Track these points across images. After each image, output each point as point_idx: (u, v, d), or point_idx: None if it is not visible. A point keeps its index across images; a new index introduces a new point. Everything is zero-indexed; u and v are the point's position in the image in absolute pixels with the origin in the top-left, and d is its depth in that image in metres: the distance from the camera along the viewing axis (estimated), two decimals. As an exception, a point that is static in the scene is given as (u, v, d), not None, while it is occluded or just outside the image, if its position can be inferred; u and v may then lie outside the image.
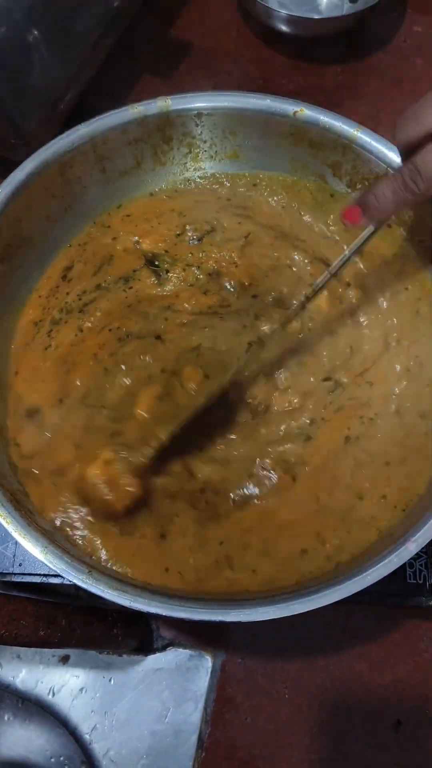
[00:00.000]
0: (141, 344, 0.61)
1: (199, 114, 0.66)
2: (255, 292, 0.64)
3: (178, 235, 0.67)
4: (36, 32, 0.84)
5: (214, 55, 0.97)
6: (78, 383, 0.60)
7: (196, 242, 0.67)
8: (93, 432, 0.58)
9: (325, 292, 0.63)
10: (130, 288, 0.65)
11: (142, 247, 0.67)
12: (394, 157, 0.62)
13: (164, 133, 0.67)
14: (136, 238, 0.68)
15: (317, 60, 0.96)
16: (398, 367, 0.62)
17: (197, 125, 0.67)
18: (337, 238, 0.67)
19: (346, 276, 0.65)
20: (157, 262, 0.66)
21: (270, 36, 0.97)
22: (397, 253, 0.66)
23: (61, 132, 0.63)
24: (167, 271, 0.65)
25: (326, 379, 0.61)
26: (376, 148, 0.63)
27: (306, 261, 0.65)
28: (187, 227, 0.68)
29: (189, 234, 0.67)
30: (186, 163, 0.70)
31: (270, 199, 0.69)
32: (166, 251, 0.67)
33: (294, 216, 0.69)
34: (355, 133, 0.63)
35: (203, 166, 0.71)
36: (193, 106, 0.65)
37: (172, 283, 0.65)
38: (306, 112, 0.63)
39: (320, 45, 0.96)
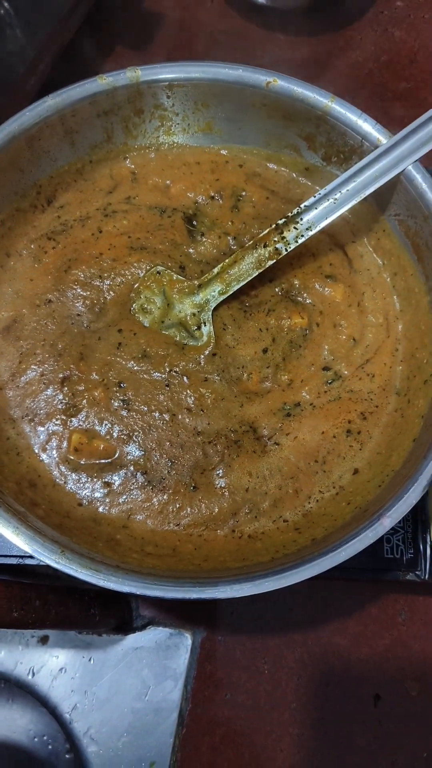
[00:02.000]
0: (149, 258, 0.63)
1: (170, 85, 0.64)
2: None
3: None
4: (6, 4, 0.82)
5: (188, 27, 0.94)
6: (80, 275, 0.62)
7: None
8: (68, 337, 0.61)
9: (341, 285, 0.64)
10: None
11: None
12: (369, 129, 0.61)
13: (135, 105, 0.65)
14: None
15: (293, 32, 0.94)
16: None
17: (168, 97, 0.65)
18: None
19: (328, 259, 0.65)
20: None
21: (245, 7, 0.94)
22: (372, 228, 0.65)
23: (29, 105, 0.61)
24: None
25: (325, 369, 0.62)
26: (350, 120, 0.61)
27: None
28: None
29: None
30: (158, 136, 0.69)
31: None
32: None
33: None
34: (329, 104, 0.61)
35: (176, 139, 0.69)
36: (163, 76, 0.63)
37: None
38: (279, 83, 0.62)
39: (297, 17, 0.94)
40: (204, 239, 0.65)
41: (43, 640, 0.71)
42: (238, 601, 0.49)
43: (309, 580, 0.47)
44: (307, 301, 0.64)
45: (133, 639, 0.71)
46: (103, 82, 0.62)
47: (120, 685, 0.69)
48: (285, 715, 0.67)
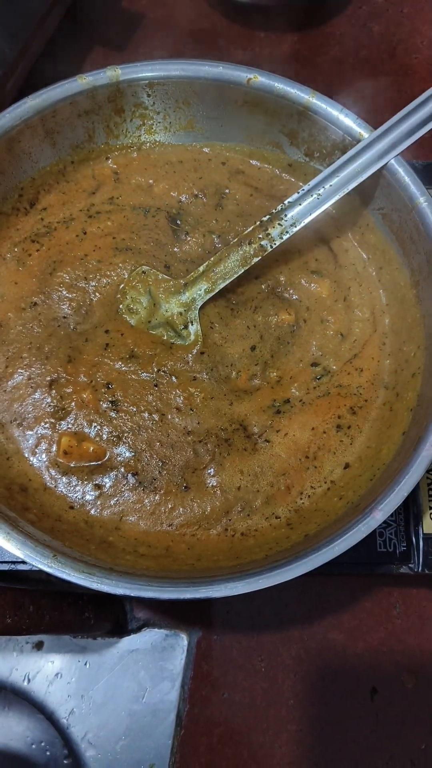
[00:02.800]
0: (134, 259, 0.63)
1: (151, 83, 0.64)
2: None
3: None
4: (-18, 5, 0.81)
5: (168, 25, 0.94)
6: (65, 277, 0.62)
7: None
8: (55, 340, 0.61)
9: (327, 281, 0.64)
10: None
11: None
12: (351, 124, 0.61)
13: (115, 104, 0.65)
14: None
15: (274, 29, 0.94)
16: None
17: (149, 95, 0.65)
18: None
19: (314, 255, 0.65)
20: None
21: (226, 5, 0.94)
22: (357, 223, 0.66)
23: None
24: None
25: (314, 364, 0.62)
26: (331, 115, 0.61)
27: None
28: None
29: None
30: (140, 135, 0.68)
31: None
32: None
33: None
34: (310, 99, 0.61)
35: (158, 138, 0.69)
36: (143, 75, 0.63)
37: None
38: (260, 79, 0.62)
39: (277, 14, 0.94)
40: (188, 238, 0.65)
41: (38, 646, 0.71)
42: (233, 599, 0.49)
43: (303, 576, 0.47)
44: (294, 298, 0.64)
45: (128, 641, 0.70)
46: (83, 81, 0.62)
47: (116, 688, 0.69)
48: (282, 712, 0.68)
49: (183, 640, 0.70)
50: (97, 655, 0.70)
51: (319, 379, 0.61)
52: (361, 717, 0.67)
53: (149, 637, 0.70)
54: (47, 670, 0.70)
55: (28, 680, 0.70)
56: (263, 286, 0.63)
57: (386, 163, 0.58)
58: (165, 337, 0.61)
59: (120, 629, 0.70)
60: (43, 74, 0.83)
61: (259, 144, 0.68)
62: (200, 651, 0.69)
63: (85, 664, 0.70)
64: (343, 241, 0.66)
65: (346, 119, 0.61)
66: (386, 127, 0.59)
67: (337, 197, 0.59)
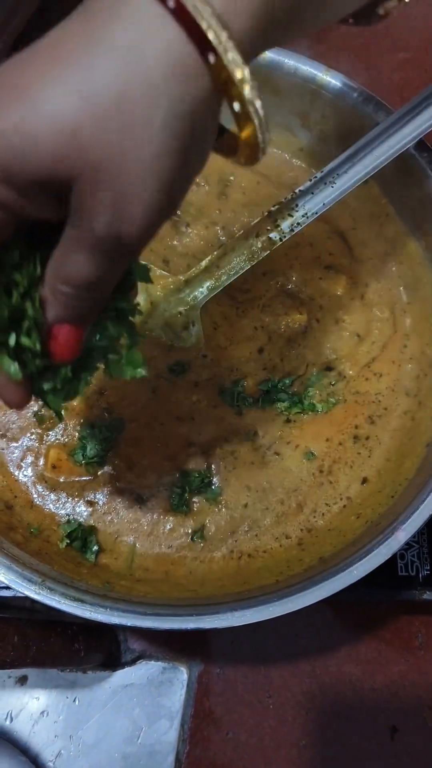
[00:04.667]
0: None
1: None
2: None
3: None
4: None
5: None
6: None
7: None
8: None
9: (342, 277, 0.64)
10: None
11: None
12: (368, 104, 0.61)
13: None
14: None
15: (280, 0, 0.95)
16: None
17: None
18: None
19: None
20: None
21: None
22: (375, 213, 0.66)
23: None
24: None
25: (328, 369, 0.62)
26: (347, 95, 0.62)
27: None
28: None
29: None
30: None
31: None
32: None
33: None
34: (324, 77, 0.61)
35: (155, 120, 0.69)
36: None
37: None
38: (268, 54, 0.62)
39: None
40: (189, 230, 0.65)
41: (22, 681, 0.70)
42: (237, 629, 0.48)
43: (315, 603, 0.47)
44: (306, 295, 0.64)
45: (122, 675, 0.70)
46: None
47: (109, 727, 0.69)
48: (293, 753, 0.67)
49: (182, 674, 0.70)
50: (87, 690, 0.70)
51: (334, 384, 0.61)
52: (381, 758, 0.67)
53: (145, 670, 0.70)
54: (32, 708, 0.69)
55: (11, 719, 0.69)
56: (272, 283, 0.64)
57: (408, 148, 0.59)
58: (163, 339, 0.61)
59: (113, 662, 0.70)
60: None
61: (266, 126, 0.68)
62: (201, 686, 0.69)
63: (74, 700, 0.70)
64: (359, 233, 0.67)
65: (363, 100, 0.61)
66: (407, 109, 0.59)
67: (353, 185, 0.59)
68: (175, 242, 0.65)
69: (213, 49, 0.27)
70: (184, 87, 0.28)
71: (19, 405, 0.39)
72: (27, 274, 0.34)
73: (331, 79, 0.62)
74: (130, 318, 0.40)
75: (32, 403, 0.58)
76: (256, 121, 0.29)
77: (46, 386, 0.38)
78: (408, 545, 0.62)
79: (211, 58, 0.27)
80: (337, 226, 0.67)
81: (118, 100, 0.27)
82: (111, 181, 0.28)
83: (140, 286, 0.46)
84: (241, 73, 0.28)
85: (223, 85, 0.28)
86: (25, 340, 0.35)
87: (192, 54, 0.27)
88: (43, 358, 0.36)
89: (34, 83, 0.27)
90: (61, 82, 0.27)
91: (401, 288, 0.65)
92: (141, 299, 0.62)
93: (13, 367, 0.35)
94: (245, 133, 0.31)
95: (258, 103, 0.29)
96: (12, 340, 0.34)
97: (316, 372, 0.62)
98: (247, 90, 0.28)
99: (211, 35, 0.27)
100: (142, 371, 0.40)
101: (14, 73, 0.28)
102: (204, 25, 0.27)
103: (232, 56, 0.27)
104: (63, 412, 0.57)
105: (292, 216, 0.60)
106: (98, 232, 0.30)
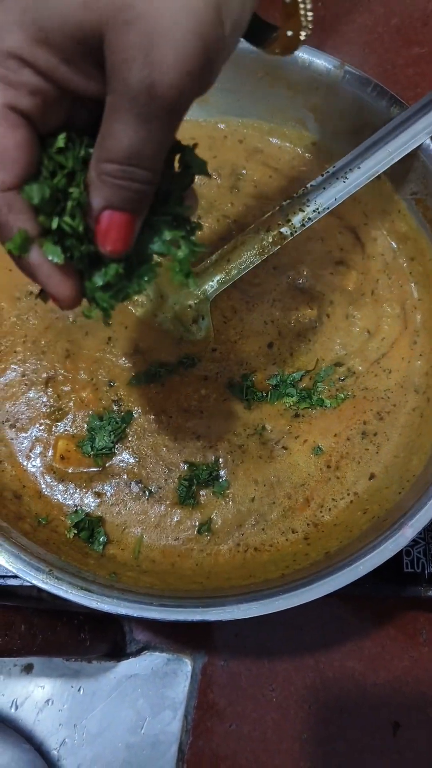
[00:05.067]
0: None
1: (162, 52, 0.64)
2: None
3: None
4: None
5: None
6: None
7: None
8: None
9: (353, 272, 0.64)
10: None
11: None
12: (382, 99, 0.61)
13: (123, 74, 0.65)
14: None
15: (295, -7, 0.94)
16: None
17: (160, 65, 0.65)
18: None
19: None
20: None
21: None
22: (386, 209, 0.66)
23: None
24: None
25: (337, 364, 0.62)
26: (361, 89, 0.61)
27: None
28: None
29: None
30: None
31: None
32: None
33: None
34: (338, 72, 0.61)
35: (168, 112, 0.69)
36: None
37: None
38: (282, 48, 0.62)
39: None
40: (201, 223, 0.65)
41: (27, 669, 0.71)
42: (242, 622, 0.49)
43: (320, 598, 0.47)
44: (316, 290, 0.64)
45: (126, 666, 0.70)
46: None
47: (113, 717, 0.69)
48: (295, 747, 0.68)
49: (187, 666, 0.70)
50: (92, 680, 0.70)
51: (343, 380, 0.61)
52: (383, 754, 0.67)
53: (150, 661, 0.70)
54: (37, 696, 0.70)
55: (16, 707, 0.70)
56: (282, 277, 0.64)
57: (421, 144, 0.58)
58: (173, 332, 0.61)
59: (118, 652, 0.70)
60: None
61: (279, 120, 0.68)
62: (205, 678, 0.70)
63: (79, 689, 0.70)
64: (371, 228, 0.66)
65: (376, 94, 0.61)
66: (421, 104, 0.59)
67: (365, 181, 0.59)
68: None
69: None
70: None
71: (68, 300, 0.37)
72: (73, 156, 0.33)
73: (345, 73, 0.61)
74: (188, 227, 0.39)
75: (42, 394, 0.59)
76: (302, 9, 0.29)
77: (97, 282, 0.36)
78: (414, 542, 0.63)
79: None
80: (349, 222, 0.67)
81: None
82: (139, 18, 0.27)
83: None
84: None
85: None
86: (67, 221, 0.34)
87: None
88: (90, 245, 0.35)
89: None
90: None
91: (412, 284, 0.65)
92: (151, 292, 0.62)
93: (56, 251, 0.34)
94: (291, 24, 0.29)
95: None
96: (55, 223, 0.34)
97: (325, 367, 0.62)
98: None
99: None
100: (191, 282, 0.39)
101: None
102: None
103: None
104: (72, 403, 0.58)
105: (303, 211, 0.60)
106: (131, 85, 0.28)
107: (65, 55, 0.29)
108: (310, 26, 0.30)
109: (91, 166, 0.32)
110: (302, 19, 0.29)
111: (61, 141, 0.33)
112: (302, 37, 0.31)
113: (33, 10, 0.28)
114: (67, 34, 0.28)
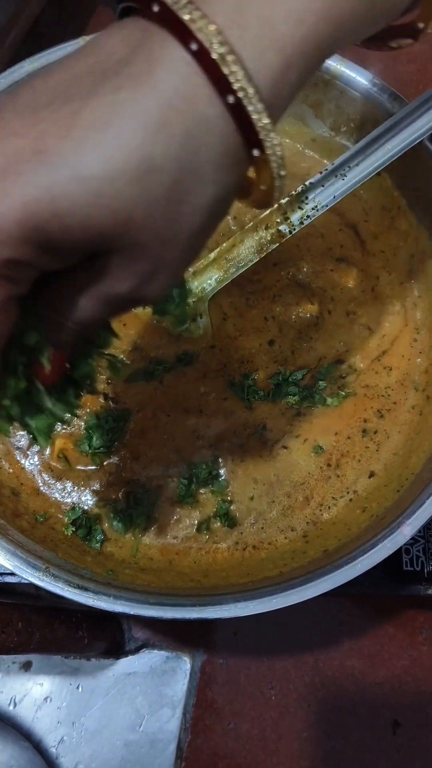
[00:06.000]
0: None
1: (161, 48, 0.64)
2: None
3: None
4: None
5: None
6: None
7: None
8: None
9: (353, 269, 0.64)
10: None
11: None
12: (383, 95, 0.60)
13: (122, 70, 0.65)
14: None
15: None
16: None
17: (159, 61, 0.65)
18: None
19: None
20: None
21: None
22: (386, 206, 0.65)
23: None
24: None
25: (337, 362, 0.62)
26: (362, 85, 0.61)
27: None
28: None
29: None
30: (148, 105, 0.68)
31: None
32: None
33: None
34: (338, 67, 0.61)
35: (168, 108, 0.69)
36: (153, 38, 0.63)
37: None
38: (283, 44, 0.61)
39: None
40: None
41: (26, 666, 0.71)
42: (241, 620, 0.49)
43: (319, 596, 0.47)
44: (317, 286, 0.63)
45: (125, 663, 0.70)
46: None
47: (111, 714, 0.69)
48: (294, 745, 0.67)
49: (185, 664, 0.70)
50: (90, 677, 0.70)
51: (344, 377, 0.61)
52: (382, 752, 0.67)
53: (148, 659, 0.70)
54: (35, 694, 0.70)
55: (14, 704, 0.70)
56: (283, 273, 0.63)
57: (422, 139, 0.58)
58: (171, 329, 0.61)
59: (116, 650, 0.70)
60: (43, 36, 0.83)
61: (279, 116, 0.68)
62: (204, 676, 0.70)
63: (77, 687, 0.70)
64: (371, 225, 0.66)
65: (377, 90, 0.60)
66: (422, 100, 0.58)
67: (365, 178, 0.59)
68: None
69: (260, 144, 0.28)
70: (229, 176, 0.29)
71: None
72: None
73: (346, 69, 0.61)
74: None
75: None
76: (274, 166, 0.30)
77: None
78: (413, 540, 0.62)
79: (255, 152, 0.29)
80: (349, 219, 0.66)
81: (171, 185, 0.27)
82: (150, 258, 0.29)
83: None
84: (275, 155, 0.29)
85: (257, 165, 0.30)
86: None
87: (240, 146, 0.29)
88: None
89: (82, 152, 0.26)
90: (108, 158, 0.26)
91: (412, 281, 0.64)
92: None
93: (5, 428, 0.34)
94: (261, 180, 0.31)
95: (278, 152, 0.29)
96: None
97: (326, 365, 0.61)
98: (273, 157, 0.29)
99: (262, 135, 0.28)
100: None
101: (58, 127, 0.27)
102: (256, 121, 0.28)
103: (271, 142, 0.29)
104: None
105: (302, 209, 0.60)
106: (119, 292, 0.31)
107: (54, 253, 0.29)
108: (283, 178, 0.31)
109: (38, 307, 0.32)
110: (273, 171, 0.30)
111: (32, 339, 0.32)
112: (276, 197, 0.32)
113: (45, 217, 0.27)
114: (71, 247, 0.28)
